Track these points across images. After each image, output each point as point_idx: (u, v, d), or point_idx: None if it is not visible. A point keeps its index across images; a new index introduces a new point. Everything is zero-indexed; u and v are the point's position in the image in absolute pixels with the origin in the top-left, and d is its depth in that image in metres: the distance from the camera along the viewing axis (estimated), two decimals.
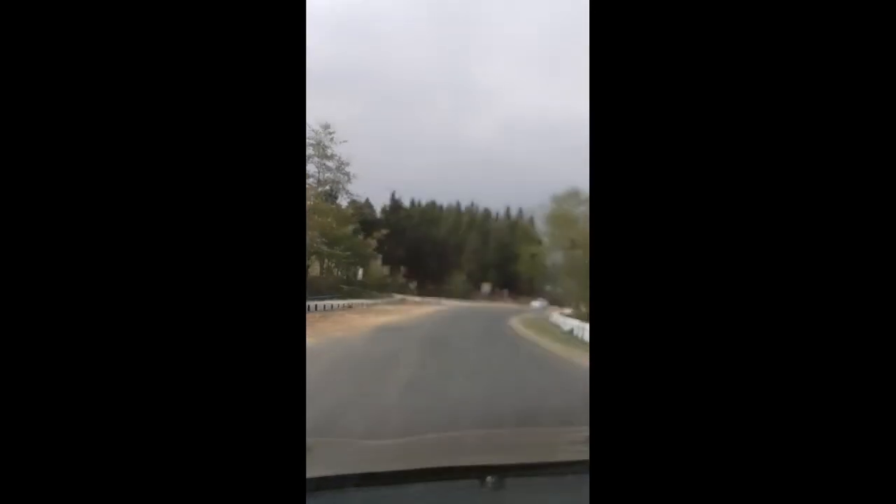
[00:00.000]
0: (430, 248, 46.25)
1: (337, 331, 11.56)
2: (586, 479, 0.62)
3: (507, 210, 64.82)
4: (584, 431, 0.94)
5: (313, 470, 0.69)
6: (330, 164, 29.03)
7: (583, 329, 13.09)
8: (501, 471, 0.76)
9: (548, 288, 68.12)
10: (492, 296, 52.53)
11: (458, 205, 62.61)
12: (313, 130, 26.72)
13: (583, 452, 0.75)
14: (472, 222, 60.36)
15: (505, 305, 41.85)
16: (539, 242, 62.98)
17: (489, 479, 0.73)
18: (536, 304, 49.11)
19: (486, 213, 61.99)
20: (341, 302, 21.26)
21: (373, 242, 35.73)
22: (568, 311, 22.94)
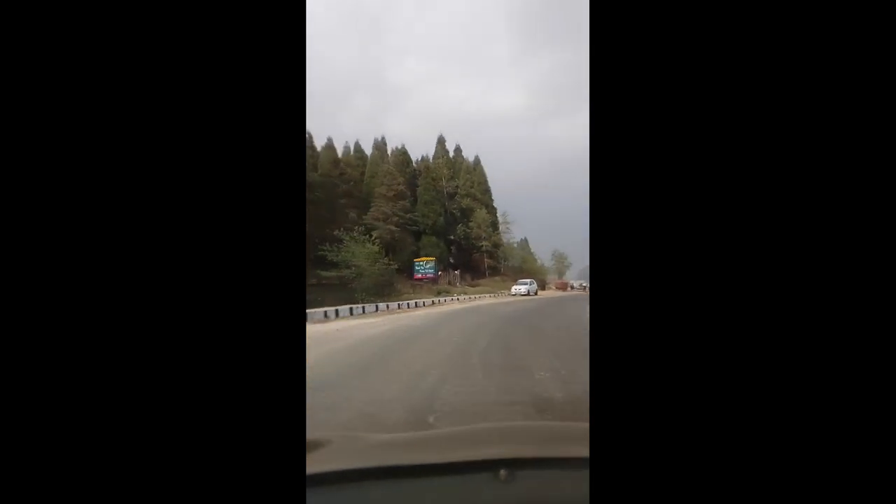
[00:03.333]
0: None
1: None
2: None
3: (442, 142, 39.70)
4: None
5: (329, 464, 0.74)
6: None
7: None
8: (514, 464, 0.76)
9: (515, 263, 45.08)
10: (437, 280, 27.32)
11: (357, 144, 36.38)
12: None
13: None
14: (385, 157, 34.31)
15: (481, 302, 16.75)
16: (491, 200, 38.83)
17: (502, 472, 0.72)
18: (521, 287, 25.74)
19: (405, 152, 36.35)
20: None
21: None
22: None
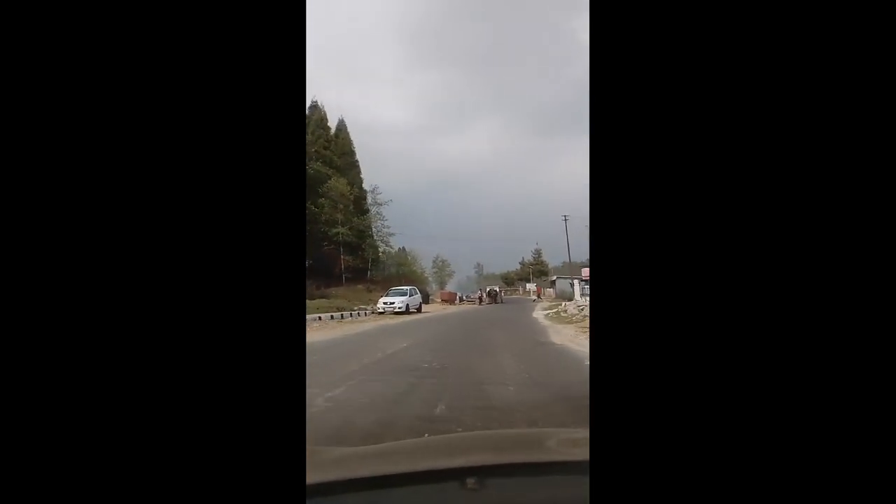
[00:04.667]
0: None
1: None
2: (568, 478, 0.74)
3: None
4: (563, 433, 1.20)
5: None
6: None
7: None
8: (483, 472, 0.78)
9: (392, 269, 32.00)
10: None
11: None
12: None
13: (562, 453, 0.92)
14: None
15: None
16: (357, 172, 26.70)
17: (470, 480, 0.73)
18: (395, 299, 16.32)
19: None
20: None
21: None
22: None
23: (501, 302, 30.37)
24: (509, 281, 57.45)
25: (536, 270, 53.49)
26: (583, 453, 0.60)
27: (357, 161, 29.47)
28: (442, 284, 58.71)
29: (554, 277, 39.76)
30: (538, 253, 54.88)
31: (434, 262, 62.24)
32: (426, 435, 2.47)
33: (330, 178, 23.15)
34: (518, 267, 58.70)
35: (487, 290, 32.41)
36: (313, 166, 22.95)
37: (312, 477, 0.72)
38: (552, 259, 54.53)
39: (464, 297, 34.09)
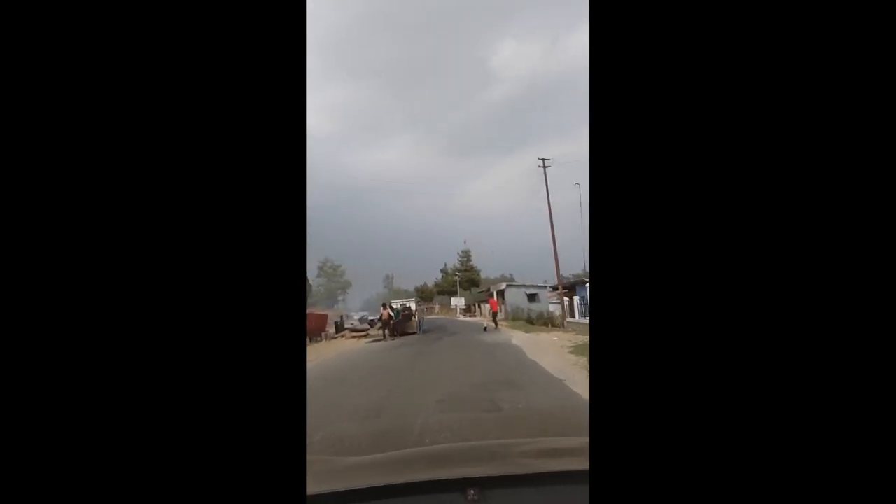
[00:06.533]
0: None
1: None
2: (569, 489, 0.76)
3: None
4: (563, 442, 1.25)
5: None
6: None
7: None
8: (484, 483, 0.78)
9: None
10: None
11: None
12: None
13: (558, 463, 0.95)
14: None
15: None
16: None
17: (471, 491, 0.74)
18: None
19: None
20: None
21: None
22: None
23: (419, 331, 14.77)
24: (426, 296, 41.76)
25: (466, 279, 38.60)
26: (583, 463, 0.60)
27: None
28: (332, 299, 41.46)
29: (503, 286, 24.81)
30: (466, 256, 40.06)
31: (321, 268, 44.43)
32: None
33: None
34: (439, 277, 43.59)
35: (396, 305, 16.61)
36: None
37: (315, 487, 0.74)
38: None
39: (345, 325, 17.72)
